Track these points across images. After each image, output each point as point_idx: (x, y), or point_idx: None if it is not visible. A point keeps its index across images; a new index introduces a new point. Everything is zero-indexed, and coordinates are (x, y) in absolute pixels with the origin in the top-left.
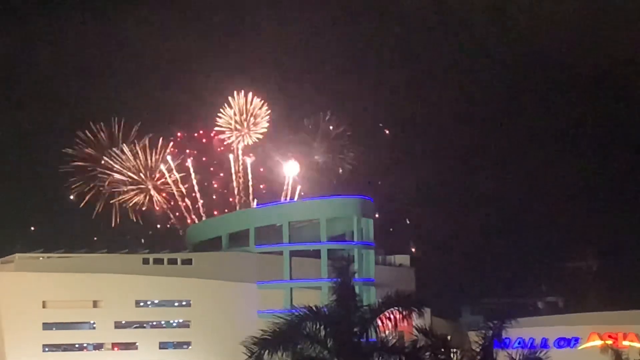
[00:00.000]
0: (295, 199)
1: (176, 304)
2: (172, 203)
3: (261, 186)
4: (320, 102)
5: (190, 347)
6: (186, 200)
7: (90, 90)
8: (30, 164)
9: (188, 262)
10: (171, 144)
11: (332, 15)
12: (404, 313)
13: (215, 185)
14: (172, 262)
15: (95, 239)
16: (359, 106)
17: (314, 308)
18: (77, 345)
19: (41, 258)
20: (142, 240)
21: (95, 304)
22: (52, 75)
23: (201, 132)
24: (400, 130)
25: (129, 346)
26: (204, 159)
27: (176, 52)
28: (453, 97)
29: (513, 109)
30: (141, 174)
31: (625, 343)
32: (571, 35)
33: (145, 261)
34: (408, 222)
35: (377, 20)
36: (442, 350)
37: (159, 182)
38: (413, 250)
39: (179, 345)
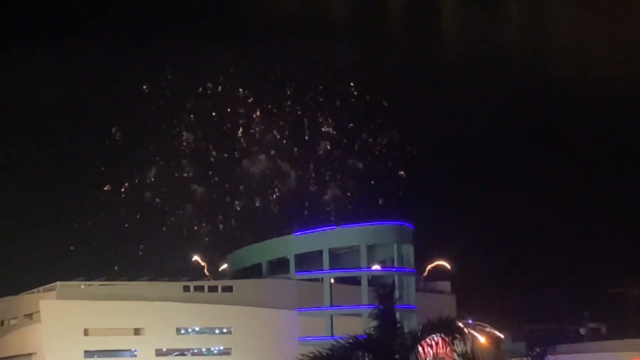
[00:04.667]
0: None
1: (217, 331)
2: None
3: None
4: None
5: None
6: None
7: None
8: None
9: (228, 289)
10: None
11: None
12: (447, 339)
13: None
14: (213, 289)
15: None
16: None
17: (360, 339)
18: None
19: (83, 286)
20: None
21: (136, 331)
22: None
23: None
24: (432, 154)
25: None
26: None
27: None
28: (488, 121)
29: (555, 132)
30: None
31: None
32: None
33: (186, 288)
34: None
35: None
36: None
37: None
38: (447, 266)
39: None
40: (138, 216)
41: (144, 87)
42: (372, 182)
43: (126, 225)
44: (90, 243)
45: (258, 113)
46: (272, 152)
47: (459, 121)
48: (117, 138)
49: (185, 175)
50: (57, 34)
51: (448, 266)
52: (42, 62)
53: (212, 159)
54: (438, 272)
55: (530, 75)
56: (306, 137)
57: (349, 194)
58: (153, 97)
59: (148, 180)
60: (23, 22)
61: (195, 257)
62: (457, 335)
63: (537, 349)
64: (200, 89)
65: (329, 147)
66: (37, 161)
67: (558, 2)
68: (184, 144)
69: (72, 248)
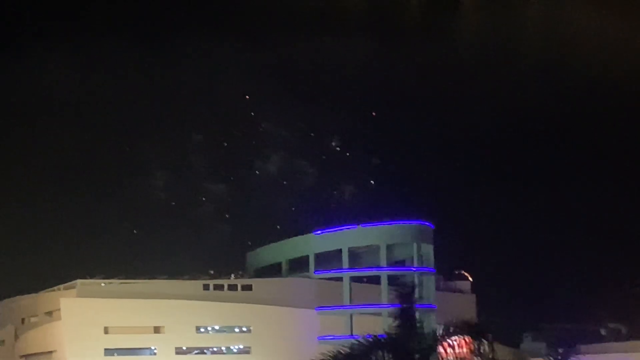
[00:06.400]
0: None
1: (236, 329)
2: None
3: None
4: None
5: None
6: None
7: None
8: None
9: (248, 288)
10: None
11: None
12: (472, 343)
13: None
14: (233, 288)
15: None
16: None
17: (380, 339)
18: None
19: (103, 284)
20: None
21: (156, 329)
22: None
23: None
24: (453, 152)
25: None
26: None
27: None
28: (519, 111)
29: (578, 131)
30: None
31: None
32: None
33: (206, 287)
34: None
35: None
36: None
37: None
38: (469, 277)
39: None
40: (157, 215)
41: (157, 87)
42: (392, 180)
43: (146, 223)
44: (110, 241)
45: (273, 111)
46: (291, 151)
47: (479, 120)
48: (130, 138)
49: (202, 175)
50: (65, 36)
51: (469, 277)
52: (52, 62)
53: (230, 159)
54: (459, 272)
55: (552, 72)
56: (324, 136)
57: (369, 193)
58: (168, 96)
59: (167, 179)
60: (29, 21)
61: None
62: (483, 340)
63: (561, 350)
64: (215, 86)
65: (348, 145)
66: (58, 160)
67: None
68: (199, 143)
69: (92, 246)
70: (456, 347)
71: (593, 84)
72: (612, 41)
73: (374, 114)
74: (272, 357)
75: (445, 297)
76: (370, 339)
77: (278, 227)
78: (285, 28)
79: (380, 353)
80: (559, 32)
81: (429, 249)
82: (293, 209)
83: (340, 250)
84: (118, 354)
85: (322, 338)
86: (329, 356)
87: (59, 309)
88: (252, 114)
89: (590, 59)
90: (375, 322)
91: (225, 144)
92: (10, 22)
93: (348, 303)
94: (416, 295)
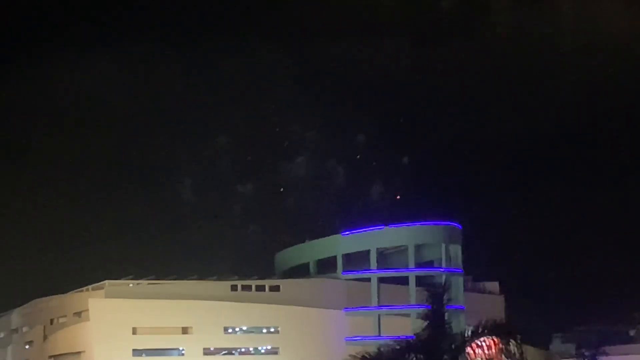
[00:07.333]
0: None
1: (264, 330)
2: None
3: None
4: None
5: None
6: None
7: None
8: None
9: (276, 288)
10: None
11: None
12: (501, 344)
13: None
14: (260, 288)
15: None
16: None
17: (410, 342)
18: None
19: (131, 285)
20: None
21: (184, 330)
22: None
23: None
24: (481, 151)
25: None
26: None
27: None
28: (551, 113)
29: (616, 128)
30: None
31: None
32: None
33: (234, 288)
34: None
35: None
36: None
37: None
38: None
39: None
40: (186, 216)
41: (187, 90)
42: (421, 181)
43: (174, 224)
44: (138, 242)
45: (302, 113)
46: (319, 152)
47: (508, 121)
48: (160, 140)
49: (231, 176)
50: (97, 41)
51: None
52: (84, 66)
53: (258, 161)
54: (487, 272)
55: (587, 72)
56: (352, 137)
57: (397, 193)
58: (199, 99)
59: (196, 181)
60: (63, 25)
61: None
62: (512, 341)
63: (587, 352)
64: (243, 89)
65: (376, 146)
66: (87, 161)
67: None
68: (228, 145)
69: (120, 247)
70: (485, 348)
71: (633, 85)
72: None
73: (402, 120)
74: (300, 358)
75: (474, 298)
76: (402, 342)
77: (306, 228)
78: (313, 30)
79: (410, 355)
80: (596, 31)
81: (457, 250)
82: (321, 210)
83: (368, 251)
84: (146, 355)
85: (350, 339)
86: (357, 358)
87: (88, 310)
88: (280, 115)
89: (628, 59)
90: (404, 323)
91: (254, 146)
92: (43, 25)
93: (376, 304)
94: (447, 296)
